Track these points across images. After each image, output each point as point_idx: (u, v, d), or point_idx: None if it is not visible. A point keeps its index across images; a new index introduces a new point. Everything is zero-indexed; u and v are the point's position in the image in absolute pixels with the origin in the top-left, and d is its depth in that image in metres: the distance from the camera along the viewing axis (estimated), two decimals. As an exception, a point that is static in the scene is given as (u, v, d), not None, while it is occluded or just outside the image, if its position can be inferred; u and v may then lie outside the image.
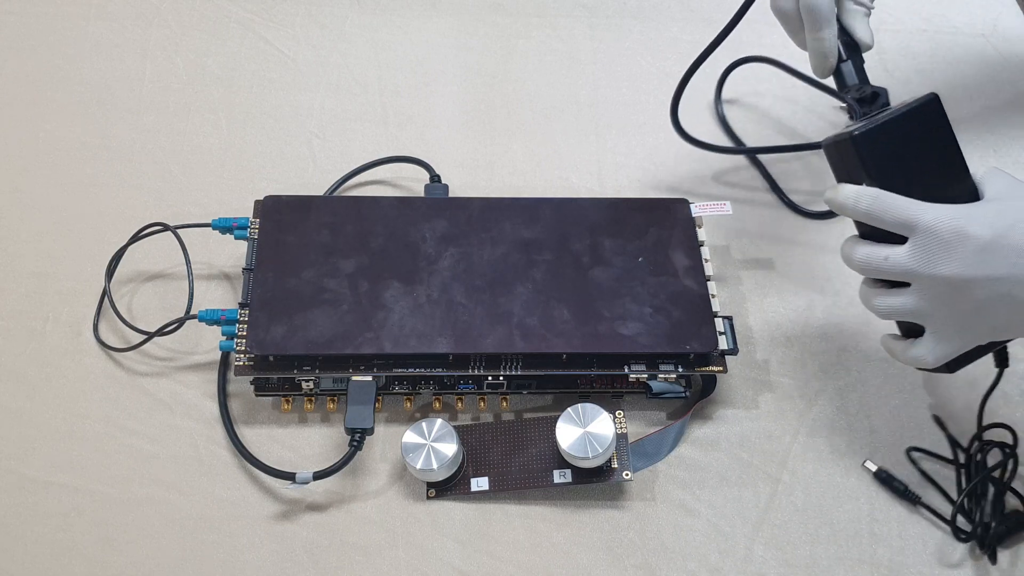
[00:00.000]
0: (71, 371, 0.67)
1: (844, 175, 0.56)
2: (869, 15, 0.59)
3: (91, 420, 0.64)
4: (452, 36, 0.87)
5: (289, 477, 0.60)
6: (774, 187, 0.77)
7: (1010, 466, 0.61)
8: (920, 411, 0.66)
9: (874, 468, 0.63)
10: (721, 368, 0.64)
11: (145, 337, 0.66)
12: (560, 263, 0.66)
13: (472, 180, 0.78)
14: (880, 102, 0.58)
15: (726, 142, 0.80)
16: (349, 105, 0.82)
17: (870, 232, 0.55)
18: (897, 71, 0.86)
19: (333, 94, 0.83)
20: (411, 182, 0.77)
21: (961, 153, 0.55)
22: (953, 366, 0.57)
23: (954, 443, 0.64)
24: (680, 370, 0.63)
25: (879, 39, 0.88)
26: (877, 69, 0.86)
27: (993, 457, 0.62)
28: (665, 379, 0.64)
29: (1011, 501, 0.62)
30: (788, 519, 0.62)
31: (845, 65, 0.59)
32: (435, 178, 0.75)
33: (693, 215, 0.69)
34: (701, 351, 0.63)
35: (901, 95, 0.84)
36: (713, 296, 0.65)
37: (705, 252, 0.68)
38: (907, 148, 0.54)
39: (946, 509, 0.62)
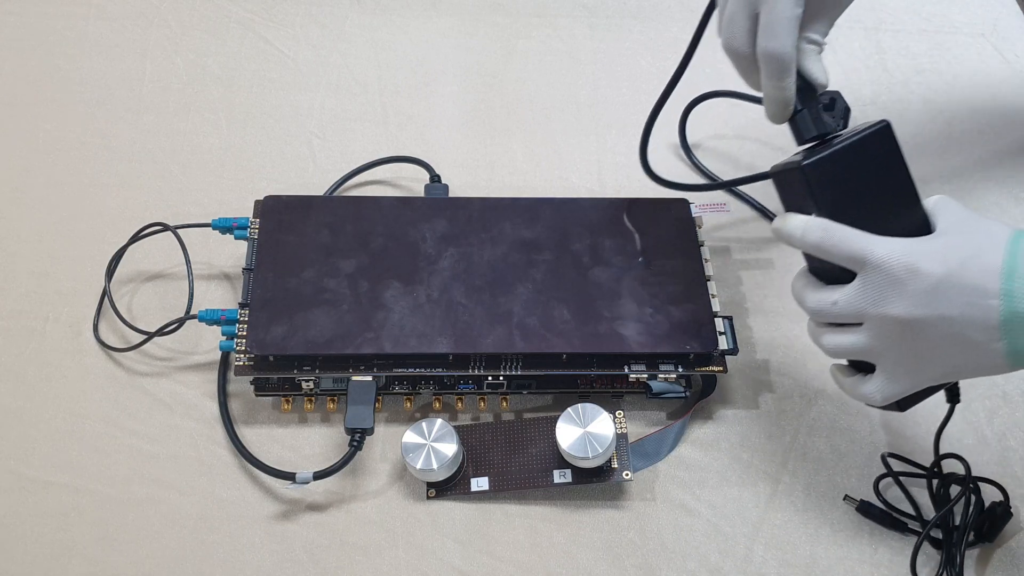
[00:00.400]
0: (71, 371, 0.67)
1: (792, 205, 0.54)
2: (822, 52, 0.55)
3: (91, 420, 0.64)
4: (452, 36, 0.87)
5: (289, 477, 0.60)
6: (762, 211, 0.76)
7: (973, 500, 0.60)
8: (919, 411, 0.66)
9: (856, 501, 0.62)
10: (721, 368, 0.64)
11: (145, 337, 0.66)
12: (560, 263, 0.66)
13: (472, 180, 0.78)
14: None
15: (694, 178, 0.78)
16: (349, 105, 0.82)
17: (819, 264, 0.53)
18: (897, 71, 0.86)
19: (333, 94, 0.83)
20: (411, 182, 0.77)
21: (913, 182, 0.53)
22: (904, 404, 0.55)
23: (903, 488, 0.63)
24: (680, 370, 0.63)
25: (879, 39, 0.89)
26: (877, 69, 0.86)
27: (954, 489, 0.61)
28: (665, 379, 0.64)
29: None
30: (788, 519, 0.62)
31: (801, 115, 0.54)
32: (435, 178, 0.75)
33: (693, 215, 0.69)
34: (701, 351, 0.63)
35: (901, 95, 0.85)
36: (713, 296, 0.65)
37: (705, 252, 0.68)
38: (858, 178, 0.52)
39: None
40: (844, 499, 0.63)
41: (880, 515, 0.61)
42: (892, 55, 0.88)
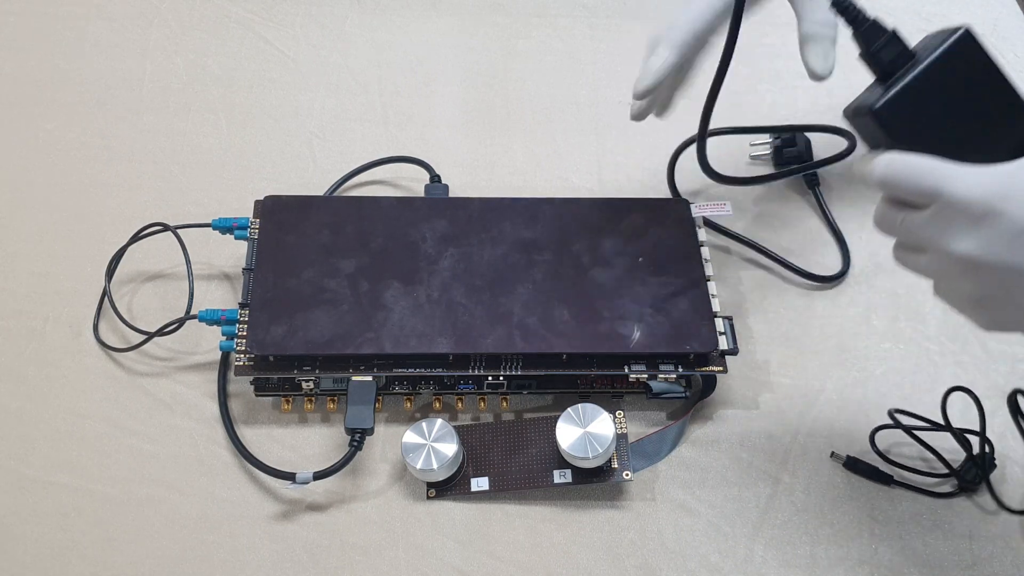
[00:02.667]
0: (71, 371, 0.67)
1: (874, 144, 0.48)
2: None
3: (91, 420, 0.64)
4: (452, 36, 0.87)
5: (289, 477, 0.60)
6: (784, 264, 0.74)
7: None
8: (919, 410, 0.66)
9: (844, 457, 0.63)
10: (721, 368, 0.64)
11: (145, 337, 0.66)
12: (560, 263, 0.66)
13: (472, 180, 0.78)
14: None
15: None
16: (349, 105, 0.82)
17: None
18: (897, 71, 0.86)
19: (333, 94, 0.83)
20: (411, 182, 0.77)
21: (1012, 88, 0.46)
22: None
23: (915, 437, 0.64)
24: (680, 370, 0.63)
25: (879, 39, 0.88)
26: (877, 69, 0.86)
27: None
28: (665, 379, 0.64)
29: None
30: (788, 519, 0.62)
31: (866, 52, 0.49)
32: (435, 178, 0.75)
33: (693, 215, 0.69)
34: (701, 351, 0.63)
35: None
36: (713, 296, 0.65)
37: (705, 252, 0.68)
38: (940, 102, 0.46)
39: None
40: (830, 456, 0.64)
41: (868, 470, 0.63)
42: (892, 55, 0.87)
